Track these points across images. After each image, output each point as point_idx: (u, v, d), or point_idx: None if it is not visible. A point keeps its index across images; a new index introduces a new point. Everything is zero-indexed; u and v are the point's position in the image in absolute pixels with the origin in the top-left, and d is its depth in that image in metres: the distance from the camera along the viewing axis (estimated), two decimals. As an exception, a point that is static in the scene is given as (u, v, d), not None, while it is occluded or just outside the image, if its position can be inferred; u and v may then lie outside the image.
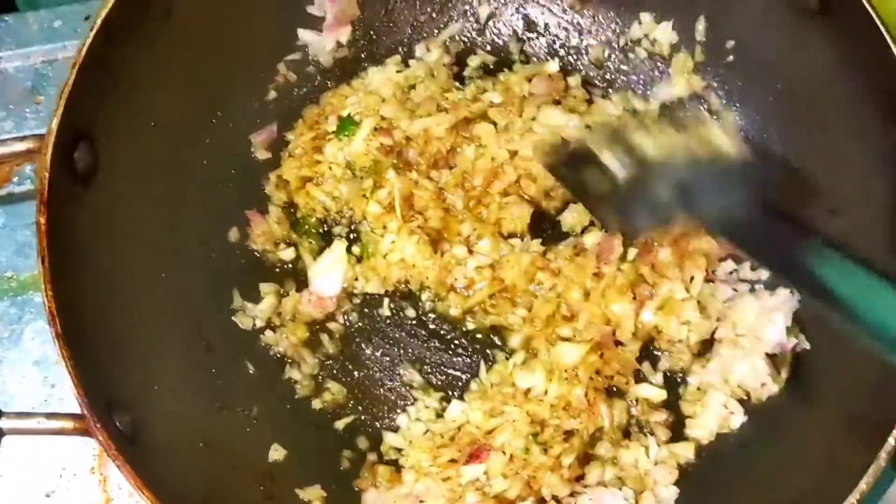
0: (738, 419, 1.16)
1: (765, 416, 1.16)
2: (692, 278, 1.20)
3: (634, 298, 1.17)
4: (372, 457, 1.18)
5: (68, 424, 0.94)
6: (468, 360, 1.23)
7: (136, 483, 0.91)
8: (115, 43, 1.08)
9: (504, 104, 1.28)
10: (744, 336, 1.18)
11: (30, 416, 0.93)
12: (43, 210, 0.99)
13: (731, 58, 1.31)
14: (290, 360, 1.24)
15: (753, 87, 1.29)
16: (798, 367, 1.18)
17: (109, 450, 0.92)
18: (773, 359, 1.18)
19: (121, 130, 1.13)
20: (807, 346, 1.18)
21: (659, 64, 1.37)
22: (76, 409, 1.16)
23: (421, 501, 1.08)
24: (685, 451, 1.15)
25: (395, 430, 1.19)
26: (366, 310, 1.27)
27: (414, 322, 1.26)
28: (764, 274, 1.22)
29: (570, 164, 1.13)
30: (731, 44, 1.30)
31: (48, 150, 1.01)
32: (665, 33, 1.35)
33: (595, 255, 1.20)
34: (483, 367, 1.22)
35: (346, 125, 1.28)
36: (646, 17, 1.36)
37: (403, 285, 1.26)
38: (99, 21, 1.05)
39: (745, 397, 1.17)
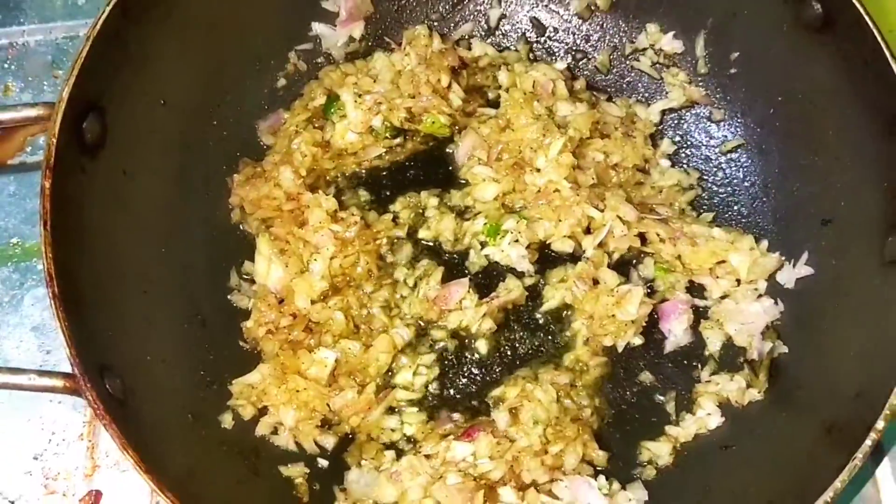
0: (715, 420, 1.17)
1: (747, 419, 1.17)
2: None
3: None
4: (362, 436, 1.19)
5: (59, 383, 0.96)
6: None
7: (121, 443, 0.92)
8: (130, 19, 1.11)
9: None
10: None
11: (22, 372, 0.95)
12: (48, 175, 1.01)
13: (734, 70, 1.33)
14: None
15: (755, 99, 1.31)
16: (779, 375, 1.19)
17: (98, 409, 0.93)
18: (751, 364, 1.20)
19: (131, 105, 1.15)
20: (784, 349, 1.19)
21: (663, 73, 1.39)
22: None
23: (400, 481, 1.09)
24: (661, 449, 1.17)
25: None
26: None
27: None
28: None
29: None
30: (735, 56, 1.32)
31: (57, 117, 1.03)
32: (670, 43, 1.37)
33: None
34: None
35: (331, 102, 1.32)
36: (652, 27, 1.39)
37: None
38: (115, -3, 1.08)
39: (727, 401, 1.19)
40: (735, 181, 1.33)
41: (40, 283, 1.35)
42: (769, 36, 1.25)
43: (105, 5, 1.08)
